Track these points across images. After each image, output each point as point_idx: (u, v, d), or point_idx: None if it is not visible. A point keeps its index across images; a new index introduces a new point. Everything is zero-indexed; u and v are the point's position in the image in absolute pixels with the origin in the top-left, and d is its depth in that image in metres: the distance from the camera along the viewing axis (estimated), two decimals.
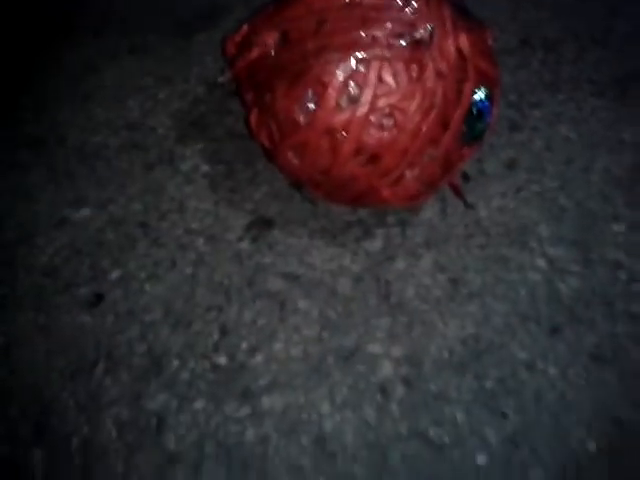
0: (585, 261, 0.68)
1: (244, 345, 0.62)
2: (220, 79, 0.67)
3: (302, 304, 0.65)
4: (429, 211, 0.72)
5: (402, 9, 0.55)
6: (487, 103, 0.61)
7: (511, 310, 0.65)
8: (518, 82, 0.82)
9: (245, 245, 0.69)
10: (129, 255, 0.68)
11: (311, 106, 0.55)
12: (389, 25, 0.54)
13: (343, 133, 0.55)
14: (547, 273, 0.67)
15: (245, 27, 0.60)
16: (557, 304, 0.65)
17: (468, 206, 0.70)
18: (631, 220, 0.71)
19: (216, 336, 0.63)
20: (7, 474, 0.56)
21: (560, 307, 0.65)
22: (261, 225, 0.71)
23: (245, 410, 0.59)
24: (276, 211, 0.72)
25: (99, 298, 0.66)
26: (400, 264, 0.68)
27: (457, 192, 0.70)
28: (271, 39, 0.57)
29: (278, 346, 0.62)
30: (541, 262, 0.68)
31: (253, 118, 0.60)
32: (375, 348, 0.63)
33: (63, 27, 0.92)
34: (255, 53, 0.58)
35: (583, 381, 0.60)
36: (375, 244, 0.69)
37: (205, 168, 0.75)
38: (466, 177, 0.74)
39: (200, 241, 0.69)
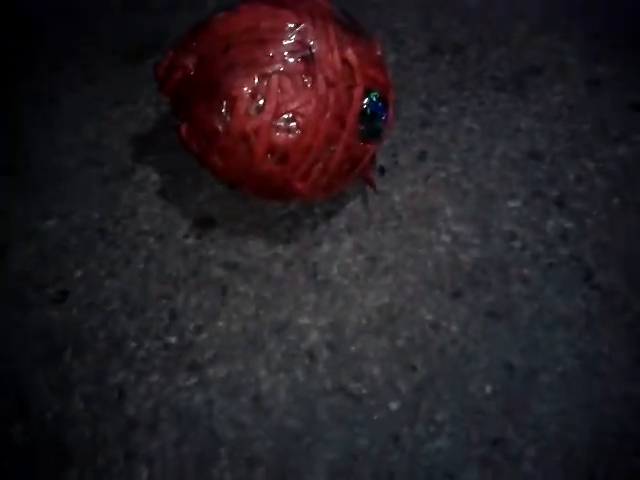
0: (484, 235, 0.79)
1: (191, 326, 0.73)
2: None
3: (241, 288, 0.76)
4: (351, 201, 0.82)
5: (293, 30, 0.66)
6: (380, 104, 0.72)
7: (420, 280, 0.76)
8: (428, 84, 0.93)
9: (191, 241, 0.79)
10: (89, 256, 0.78)
11: (226, 116, 0.66)
12: (283, 44, 0.65)
13: (255, 137, 0.66)
14: (450, 247, 0.78)
15: (170, 53, 0.71)
16: (459, 272, 0.76)
17: (378, 193, 0.81)
18: (525, 197, 0.82)
19: (167, 320, 0.73)
20: None
21: (461, 275, 0.76)
22: (204, 223, 0.81)
23: (193, 380, 0.69)
24: (217, 210, 0.82)
25: (65, 295, 0.76)
26: (325, 248, 0.79)
27: (369, 182, 0.80)
28: (189, 62, 0.68)
29: (221, 324, 0.73)
30: (446, 238, 0.79)
31: (184, 130, 0.71)
32: (304, 320, 0.73)
33: (23, 61, 1.02)
34: (178, 75, 0.69)
35: (480, 336, 0.71)
36: (304, 232, 0.80)
37: (154, 177, 0.85)
38: (382, 170, 0.85)
39: (151, 240, 0.80)
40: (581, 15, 1.02)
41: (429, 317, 0.73)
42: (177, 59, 0.69)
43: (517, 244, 0.78)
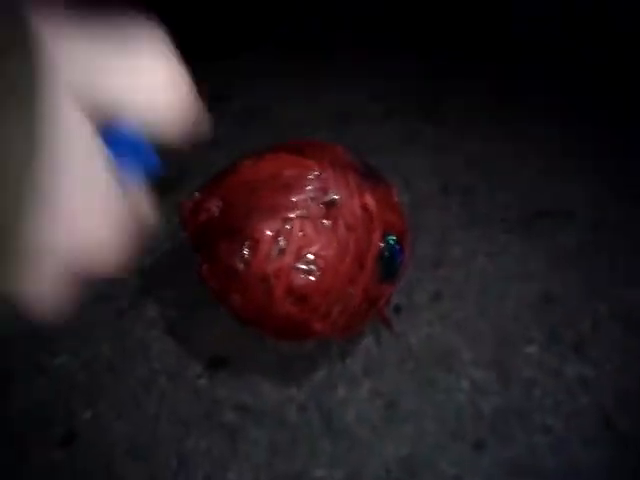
0: (504, 380, 0.77)
1: (200, 474, 0.69)
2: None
3: (253, 434, 0.73)
4: (366, 341, 0.82)
5: (315, 178, 0.69)
6: (397, 247, 0.73)
7: (441, 429, 0.73)
8: (439, 224, 0.95)
9: (203, 381, 0.77)
10: (99, 396, 0.76)
11: (247, 257, 0.67)
12: (306, 191, 0.68)
13: (275, 279, 0.66)
14: (470, 393, 0.76)
15: (196, 195, 0.73)
16: (480, 421, 0.73)
17: (395, 334, 0.80)
18: (542, 341, 0.81)
19: (174, 466, 0.70)
20: None
21: (483, 424, 0.73)
22: (217, 362, 0.79)
23: None
24: (230, 349, 0.81)
25: (72, 437, 0.72)
26: (341, 392, 0.77)
27: (385, 323, 0.80)
28: (214, 205, 0.70)
29: (231, 475, 0.69)
30: (465, 383, 0.77)
31: (204, 269, 0.71)
32: (319, 471, 0.69)
33: None
34: (203, 217, 0.70)
35: None
36: (319, 374, 0.78)
37: (168, 313, 0.85)
38: (398, 309, 0.85)
39: (162, 379, 0.77)
40: (590, 158, 1.07)
41: (452, 471, 0.69)
42: (203, 202, 0.71)
43: (537, 392, 0.76)
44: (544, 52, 1.27)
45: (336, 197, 0.70)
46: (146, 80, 0.26)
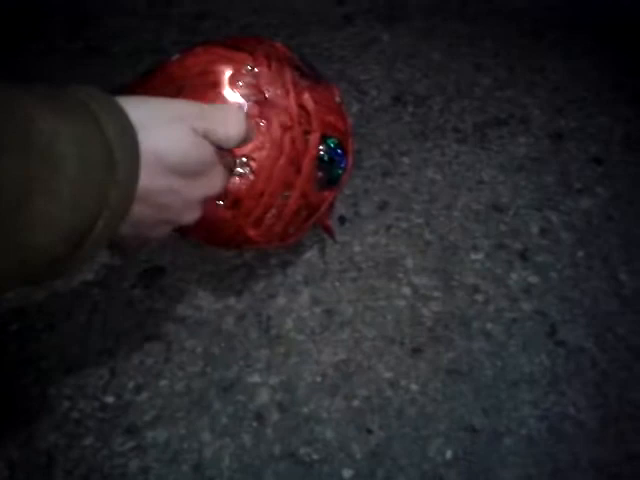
0: (446, 287, 0.76)
1: (131, 384, 0.67)
2: None
3: (188, 343, 0.71)
4: (309, 251, 0.79)
5: (248, 74, 0.64)
6: (339, 151, 0.70)
7: (378, 335, 0.72)
8: (390, 134, 0.92)
9: (138, 292, 0.75)
10: (29, 306, 0.73)
11: None
12: (237, 87, 0.63)
13: None
14: (411, 299, 0.75)
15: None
16: (420, 327, 0.72)
17: (338, 244, 0.78)
18: (488, 249, 0.79)
19: (106, 377, 0.68)
20: None
21: (422, 329, 0.72)
22: (153, 272, 0.77)
23: (130, 444, 0.63)
24: (168, 259, 0.78)
25: None
26: (280, 301, 0.75)
27: (328, 232, 0.77)
28: None
29: (163, 383, 0.68)
30: (406, 290, 0.75)
31: None
32: (254, 378, 0.68)
33: None
34: None
35: (441, 395, 0.67)
36: (258, 284, 0.76)
37: None
38: (342, 219, 0.82)
39: (95, 290, 0.75)
40: (544, 69, 1.03)
41: (387, 375, 0.69)
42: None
43: (480, 298, 0.75)
44: None
45: (269, 94, 0.65)
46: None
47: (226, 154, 0.50)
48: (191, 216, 0.47)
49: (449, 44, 1.05)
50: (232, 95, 0.64)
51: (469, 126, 0.93)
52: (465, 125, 0.93)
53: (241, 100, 0.64)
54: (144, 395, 0.66)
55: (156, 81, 0.66)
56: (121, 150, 0.35)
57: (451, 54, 1.04)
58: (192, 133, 0.42)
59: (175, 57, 0.69)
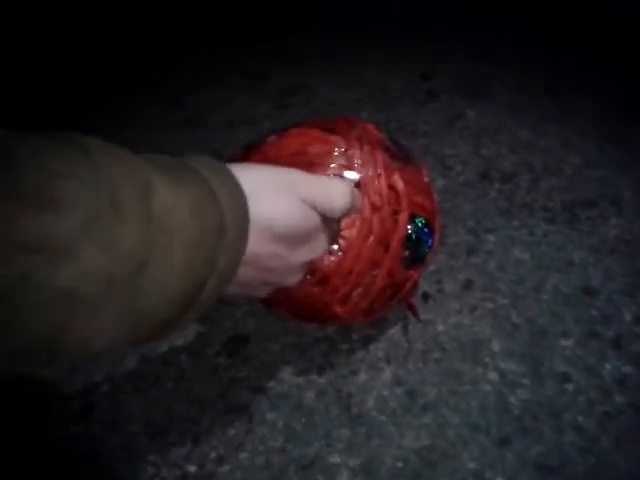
0: (534, 374, 0.73)
1: (213, 454, 0.68)
2: None
3: (269, 416, 0.71)
4: (392, 328, 0.79)
5: (340, 155, 0.66)
6: (426, 230, 0.70)
7: (463, 422, 0.69)
8: (476, 211, 0.91)
9: (222, 360, 0.76)
10: (118, 370, 0.76)
11: None
12: (330, 168, 0.65)
13: None
14: (498, 385, 0.72)
15: None
16: (507, 415, 0.69)
17: (422, 323, 0.77)
18: (579, 335, 0.76)
19: (189, 445, 0.69)
20: None
21: (509, 418, 0.69)
22: (238, 341, 0.78)
23: None
24: (252, 328, 0.79)
25: (89, 409, 0.73)
26: (362, 377, 0.74)
27: (413, 311, 0.77)
28: None
29: (244, 456, 0.68)
30: (493, 375, 0.73)
31: None
32: (334, 458, 0.67)
33: None
34: None
35: None
36: (340, 359, 0.76)
37: None
38: (426, 296, 0.81)
39: (182, 357, 0.77)
40: (635, 149, 1.00)
41: (472, 465, 0.66)
42: None
43: (570, 387, 0.72)
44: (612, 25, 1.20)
45: (361, 176, 0.67)
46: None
47: (331, 222, 0.52)
48: (293, 279, 0.50)
49: (536, 121, 1.05)
50: (324, 175, 0.66)
51: (558, 205, 0.92)
52: (554, 204, 0.92)
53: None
54: (225, 467, 0.67)
55: (255, 159, 0.69)
56: (232, 217, 0.38)
57: (538, 131, 1.03)
58: (300, 202, 0.45)
59: (271, 139, 0.73)
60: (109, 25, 1.27)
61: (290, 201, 0.44)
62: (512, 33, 1.19)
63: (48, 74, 1.17)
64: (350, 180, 0.65)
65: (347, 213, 0.53)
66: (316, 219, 0.47)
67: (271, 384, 0.74)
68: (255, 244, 0.41)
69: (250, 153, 0.72)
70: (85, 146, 0.32)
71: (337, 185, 0.51)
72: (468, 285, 0.82)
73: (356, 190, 0.59)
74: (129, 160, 0.34)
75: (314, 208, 0.47)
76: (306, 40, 1.26)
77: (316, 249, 0.50)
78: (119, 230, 0.31)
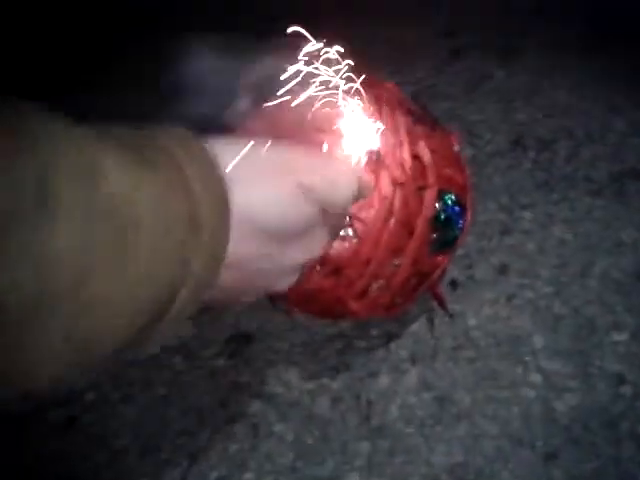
0: (584, 375, 0.63)
1: (213, 476, 0.59)
2: None
3: (277, 428, 0.62)
4: (416, 322, 0.69)
5: (354, 120, 0.55)
6: (457, 209, 0.60)
7: (502, 433, 0.60)
8: (509, 184, 0.81)
9: (222, 362, 0.67)
10: (104, 376, 0.67)
11: None
12: (341, 136, 0.54)
13: None
14: (542, 390, 0.63)
15: None
16: (553, 425, 0.60)
17: (451, 316, 0.67)
18: (633, 328, 0.66)
19: (185, 465, 0.60)
20: None
21: (556, 429, 0.60)
22: (240, 340, 0.69)
23: None
24: (256, 325, 0.70)
25: (72, 420, 0.64)
26: (383, 381, 0.65)
27: (440, 302, 0.67)
28: None
29: (248, 476, 0.59)
30: (535, 377, 0.64)
31: None
32: (353, 477, 0.58)
33: None
34: None
35: None
36: (357, 359, 0.66)
37: None
38: (454, 284, 0.71)
39: (176, 359, 0.68)
40: None
41: None
42: None
43: (627, 391, 0.62)
44: None
45: (381, 144, 0.56)
46: None
47: (332, 214, 0.40)
48: (286, 283, 0.41)
49: (575, 82, 0.93)
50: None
51: (603, 176, 0.81)
52: (598, 175, 0.81)
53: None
54: None
55: (251, 127, 0.58)
56: (209, 208, 0.30)
57: (578, 93, 0.91)
58: (294, 191, 0.36)
59: (272, 102, 0.62)
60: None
61: (282, 189, 0.34)
62: None
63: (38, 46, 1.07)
64: (366, 154, 0.55)
65: (350, 204, 0.42)
66: (312, 211, 0.37)
67: (278, 390, 0.65)
68: (239, 242, 0.31)
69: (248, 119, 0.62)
70: (21, 114, 0.24)
71: (344, 170, 0.41)
72: (503, 270, 0.72)
73: (367, 176, 0.49)
74: (75, 135, 0.26)
75: (312, 196, 0.36)
76: None
77: (313, 248, 0.40)
78: (46, 230, 0.23)
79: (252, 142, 0.35)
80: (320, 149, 0.46)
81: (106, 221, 0.25)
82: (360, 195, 0.42)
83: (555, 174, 0.82)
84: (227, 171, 0.31)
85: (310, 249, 0.40)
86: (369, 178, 0.51)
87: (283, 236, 0.36)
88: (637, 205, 0.78)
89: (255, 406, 0.64)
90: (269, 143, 0.35)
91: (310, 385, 0.65)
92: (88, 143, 0.26)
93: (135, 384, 0.66)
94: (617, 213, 0.77)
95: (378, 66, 0.95)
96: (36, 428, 0.64)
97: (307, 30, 0.58)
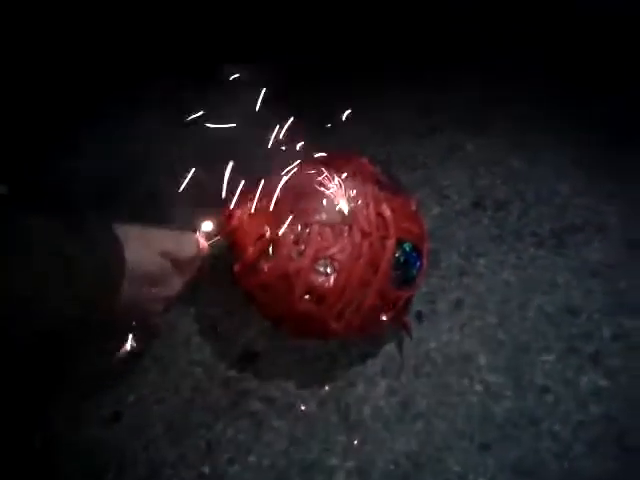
0: (516, 387, 0.80)
1: (225, 457, 0.76)
2: None
3: (275, 423, 0.79)
4: (388, 344, 0.86)
5: (336, 188, 0.76)
6: (414, 254, 0.79)
7: (450, 429, 0.77)
8: (469, 236, 0.99)
9: (234, 373, 0.85)
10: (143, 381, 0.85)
11: (271, 258, 0.74)
12: (326, 199, 0.75)
13: (295, 278, 0.73)
14: (483, 397, 0.79)
15: (233, 208, 0.80)
16: (489, 423, 0.77)
17: (414, 339, 0.85)
18: (560, 352, 0.83)
19: (204, 449, 0.77)
20: None
21: (492, 426, 0.76)
22: (249, 357, 0.87)
23: None
24: (262, 345, 0.88)
25: (118, 415, 0.82)
26: (359, 389, 0.82)
27: (405, 328, 0.85)
28: (244, 212, 0.78)
29: (252, 459, 0.76)
30: (479, 387, 0.80)
31: (236, 269, 0.79)
32: (332, 461, 0.75)
33: None
34: (235, 222, 0.79)
35: None
36: (339, 372, 0.84)
37: (211, 311, 0.93)
38: (420, 315, 0.89)
39: (199, 370, 0.86)
40: (624, 179, 1.06)
41: (456, 468, 0.73)
42: (234, 209, 0.79)
43: (549, 398, 0.79)
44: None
45: (353, 205, 0.76)
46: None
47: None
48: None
49: (532, 152, 1.12)
50: (320, 205, 0.76)
51: (546, 231, 0.98)
52: (543, 230, 0.99)
53: (328, 209, 0.76)
54: (236, 468, 0.75)
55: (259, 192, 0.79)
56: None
57: (533, 162, 1.10)
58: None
59: (275, 173, 0.82)
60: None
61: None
62: (505, 66, 1.26)
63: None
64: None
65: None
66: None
67: (277, 395, 0.82)
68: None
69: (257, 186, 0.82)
70: None
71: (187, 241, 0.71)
72: (459, 305, 0.90)
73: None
74: None
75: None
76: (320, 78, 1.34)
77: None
78: None
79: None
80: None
81: None
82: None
83: (507, 229, 1.00)
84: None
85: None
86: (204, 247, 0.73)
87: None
88: (572, 254, 0.95)
89: (259, 406, 0.81)
90: None
91: (302, 391, 0.82)
92: None
93: (167, 389, 0.84)
94: (555, 261, 0.94)
95: (369, 139, 1.16)
96: (89, 420, 0.82)
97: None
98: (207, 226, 0.73)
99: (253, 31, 1.36)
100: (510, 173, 1.10)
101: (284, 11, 1.40)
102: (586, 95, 1.21)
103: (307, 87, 1.19)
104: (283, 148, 0.80)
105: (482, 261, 0.95)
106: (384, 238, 0.76)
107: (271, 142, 0.80)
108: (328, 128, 0.95)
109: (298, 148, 0.81)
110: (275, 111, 0.78)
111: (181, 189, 0.75)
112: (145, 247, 0.64)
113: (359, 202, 0.76)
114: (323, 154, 0.84)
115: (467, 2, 1.43)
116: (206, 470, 0.76)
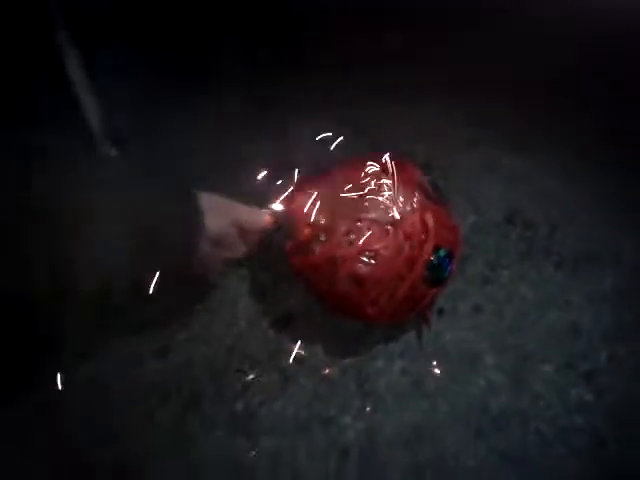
0: (515, 388, 0.91)
1: (256, 399, 0.89)
2: None
3: (302, 380, 0.92)
4: (410, 332, 0.98)
5: (389, 192, 0.86)
6: (446, 259, 0.89)
7: (450, 411, 0.89)
8: (497, 248, 1.09)
9: (273, 332, 0.97)
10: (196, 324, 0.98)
11: (323, 242, 0.86)
12: (379, 201, 0.86)
13: (341, 262, 0.84)
14: (484, 391, 0.91)
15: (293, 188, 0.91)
16: (486, 414, 0.89)
17: (432, 331, 0.96)
18: (559, 365, 0.94)
19: (239, 389, 0.91)
20: None
21: (488, 417, 0.88)
22: (287, 318, 0.99)
23: (247, 445, 0.85)
24: (300, 312, 1.00)
25: (166, 350, 0.95)
26: (379, 364, 0.94)
27: (426, 320, 0.96)
28: (306, 198, 0.89)
29: (279, 405, 0.89)
30: (482, 382, 0.92)
31: (290, 246, 0.91)
32: (346, 419, 0.88)
33: None
34: (296, 206, 0.90)
35: (493, 475, 0.83)
36: (364, 348, 0.96)
37: (260, 277, 1.05)
38: (441, 311, 1.00)
39: (242, 323, 0.98)
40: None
41: (452, 449, 0.85)
42: (298, 194, 0.90)
43: (541, 403, 0.90)
44: None
45: (401, 210, 0.87)
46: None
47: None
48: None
49: (568, 174, 1.19)
50: (374, 206, 0.87)
51: (567, 254, 1.08)
52: (564, 252, 1.08)
53: (380, 210, 0.87)
54: (264, 410, 0.88)
55: (325, 181, 0.89)
56: None
57: (567, 183, 1.18)
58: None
59: (340, 166, 0.93)
60: None
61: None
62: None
63: None
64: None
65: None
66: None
67: (306, 357, 0.94)
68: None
69: (320, 175, 0.93)
70: None
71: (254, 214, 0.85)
72: (477, 308, 1.01)
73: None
74: None
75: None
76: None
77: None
78: None
79: None
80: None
81: None
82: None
83: (533, 247, 1.10)
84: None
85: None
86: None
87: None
88: (586, 278, 1.05)
89: (289, 364, 0.93)
90: None
91: (328, 358, 0.94)
92: None
93: (214, 335, 0.97)
94: (570, 282, 1.05)
95: (414, 148, 1.24)
96: (141, 351, 0.95)
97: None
98: (277, 206, 0.84)
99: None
100: (543, 192, 1.17)
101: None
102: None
103: (370, 101, 1.28)
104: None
105: (505, 273, 1.05)
106: (423, 242, 0.87)
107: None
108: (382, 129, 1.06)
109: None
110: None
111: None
112: (222, 216, 0.76)
113: (407, 208, 0.87)
114: (386, 156, 0.93)
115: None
116: (239, 408, 0.89)
